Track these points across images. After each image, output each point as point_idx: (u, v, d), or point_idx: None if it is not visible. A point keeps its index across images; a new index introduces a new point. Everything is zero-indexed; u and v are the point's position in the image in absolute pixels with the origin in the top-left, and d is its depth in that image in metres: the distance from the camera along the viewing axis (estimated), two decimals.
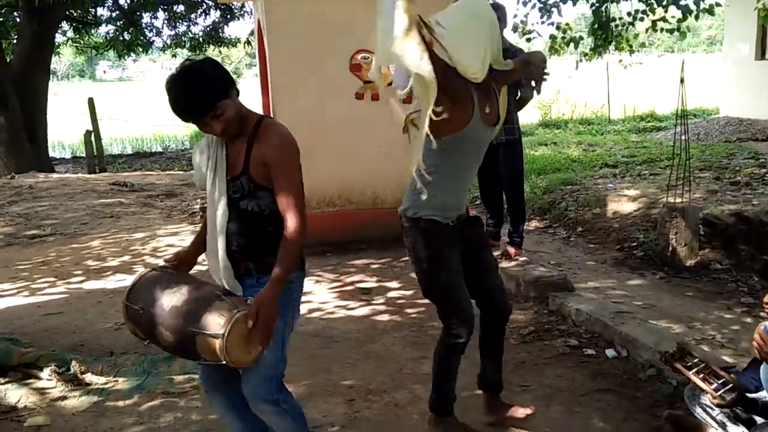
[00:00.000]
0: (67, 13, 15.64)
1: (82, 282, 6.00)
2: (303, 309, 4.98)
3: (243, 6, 16.18)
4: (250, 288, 2.50)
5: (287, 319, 2.53)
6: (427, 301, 3.05)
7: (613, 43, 9.68)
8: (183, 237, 7.49)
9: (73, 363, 3.86)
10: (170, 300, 2.41)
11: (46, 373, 3.84)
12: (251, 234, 2.50)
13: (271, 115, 6.55)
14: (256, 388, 2.49)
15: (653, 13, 8.78)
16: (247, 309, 2.35)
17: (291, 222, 2.41)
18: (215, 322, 2.30)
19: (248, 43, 17.75)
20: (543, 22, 9.31)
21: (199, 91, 2.34)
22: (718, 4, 8.32)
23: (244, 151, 2.46)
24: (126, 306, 2.55)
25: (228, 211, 2.47)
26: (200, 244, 2.68)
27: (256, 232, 2.50)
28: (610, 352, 3.97)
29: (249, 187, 2.46)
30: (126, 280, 5.96)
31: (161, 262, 2.73)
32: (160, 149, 19.46)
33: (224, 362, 2.30)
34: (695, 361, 2.86)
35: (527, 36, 9.42)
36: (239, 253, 2.51)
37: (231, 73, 2.50)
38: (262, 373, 2.48)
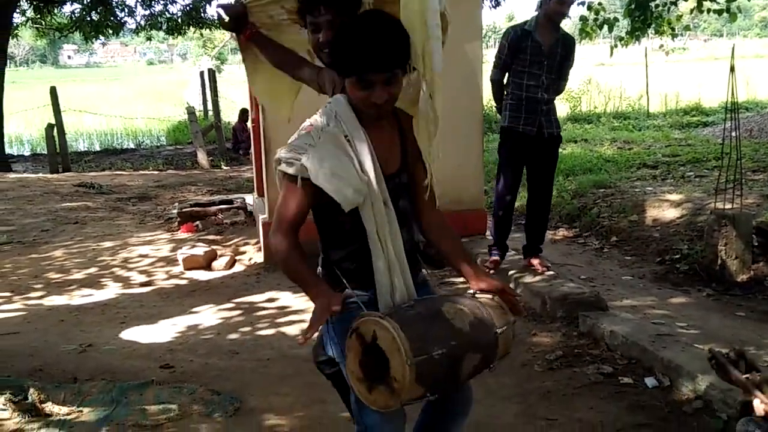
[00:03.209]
0: None
1: (42, 297, 6.00)
2: (294, 330, 5.03)
3: None
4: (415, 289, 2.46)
5: None
6: None
7: (653, 25, 9.71)
8: (158, 246, 7.50)
9: (31, 391, 3.85)
10: (461, 322, 2.26)
11: None
12: (410, 236, 2.48)
13: (259, 108, 6.56)
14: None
15: None
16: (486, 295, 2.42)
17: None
18: (500, 317, 2.36)
19: None
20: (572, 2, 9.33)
21: (406, 39, 2.29)
22: None
23: (399, 142, 2.41)
24: (419, 364, 2.11)
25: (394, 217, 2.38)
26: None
27: (413, 234, 2.51)
28: (650, 381, 3.95)
29: (407, 184, 2.44)
30: (93, 295, 5.97)
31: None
32: (132, 146, 19.55)
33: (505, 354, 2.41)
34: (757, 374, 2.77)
35: None
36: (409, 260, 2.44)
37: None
38: None
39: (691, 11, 9.82)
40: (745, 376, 2.57)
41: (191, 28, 17.81)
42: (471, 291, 2.43)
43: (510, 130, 5.52)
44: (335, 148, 2.28)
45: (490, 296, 2.40)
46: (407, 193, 2.44)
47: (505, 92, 5.58)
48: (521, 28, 5.44)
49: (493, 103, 5.90)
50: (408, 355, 2.09)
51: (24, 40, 46.95)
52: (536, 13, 5.54)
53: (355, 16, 2.37)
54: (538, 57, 5.35)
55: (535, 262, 5.71)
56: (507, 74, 5.55)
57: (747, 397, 2.60)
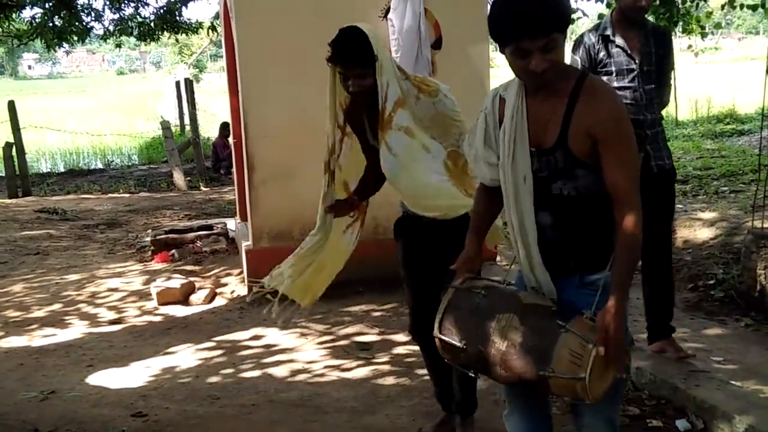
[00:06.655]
0: None
1: None
2: (281, 371, 5.02)
3: None
4: (571, 290, 2.53)
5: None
6: None
7: (680, 24, 9.76)
8: (129, 279, 7.50)
9: None
10: (503, 335, 2.46)
11: None
12: (568, 226, 2.50)
13: (241, 121, 6.59)
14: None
15: None
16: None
17: (630, 212, 2.38)
18: (569, 363, 2.36)
19: (213, 28, 17.92)
20: None
21: (562, 2, 2.40)
22: None
23: (562, 116, 2.41)
24: (441, 341, 2.64)
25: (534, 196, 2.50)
26: (482, 232, 2.77)
27: (574, 223, 2.50)
28: (681, 424, 3.94)
29: (565, 164, 2.43)
30: (57, 335, 5.96)
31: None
32: (100, 166, 19.54)
33: (586, 401, 2.41)
34: None
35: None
36: (554, 251, 2.53)
37: None
38: (607, 411, 2.60)
39: (723, 7, 9.87)
40: None
41: (165, 33, 17.82)
42: (574, 323, 2.40)
43: None
44: (486, 107, 2.62)
45: (585, 341, 2.35)
46: (571, 177, 2.45)
47: None
48: (598, 34, 4.56)
49: None
50: (436, 328, 2.62)
51: None
52: (607, 15, 4.86)
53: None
54: (627, 66, 4.50)
55: (667, 347, 4.64)
56: None
57: None
